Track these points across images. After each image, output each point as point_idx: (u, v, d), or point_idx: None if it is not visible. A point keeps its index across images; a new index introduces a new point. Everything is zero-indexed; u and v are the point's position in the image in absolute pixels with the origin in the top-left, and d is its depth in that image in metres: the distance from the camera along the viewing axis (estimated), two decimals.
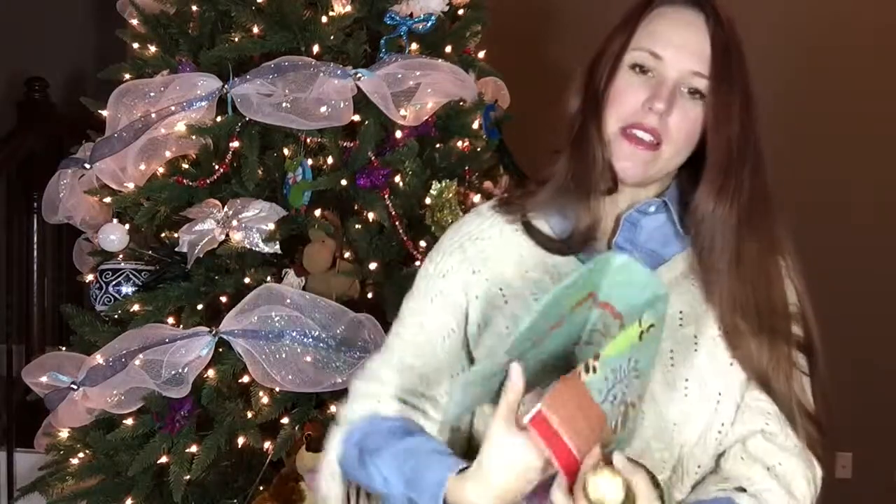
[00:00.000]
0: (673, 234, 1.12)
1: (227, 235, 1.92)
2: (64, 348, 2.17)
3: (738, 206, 1.06)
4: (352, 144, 1.98)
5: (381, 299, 1.95)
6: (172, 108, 1.95)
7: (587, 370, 0.86)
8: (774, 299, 1.07)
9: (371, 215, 1.96)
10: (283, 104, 1.91)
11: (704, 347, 1.07)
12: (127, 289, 2.01)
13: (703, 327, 1.07)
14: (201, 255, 1.93)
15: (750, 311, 1.05)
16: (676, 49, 1.07)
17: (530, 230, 1.13)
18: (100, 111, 2.08)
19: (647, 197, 1.12)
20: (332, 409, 1.90)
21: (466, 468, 0.93)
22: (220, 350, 1.88)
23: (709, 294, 1.07)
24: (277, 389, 1.86)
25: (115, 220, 2.04)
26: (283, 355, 1.82)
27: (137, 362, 1.86)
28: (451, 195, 1.96)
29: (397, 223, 1.95)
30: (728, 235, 1.06)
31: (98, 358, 1.91)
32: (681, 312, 1.08)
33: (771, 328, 1.05)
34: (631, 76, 1.08)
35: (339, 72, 1.90)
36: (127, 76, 2.12)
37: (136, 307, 1.95)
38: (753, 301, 1.06)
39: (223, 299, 1.95)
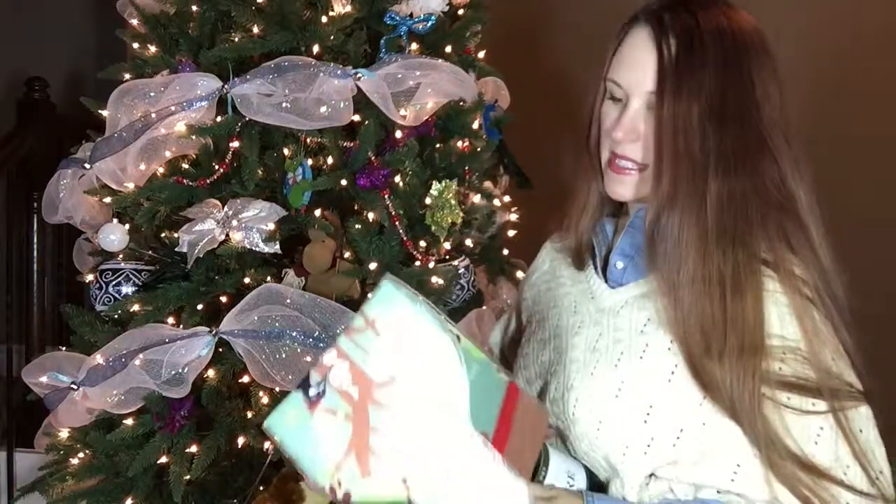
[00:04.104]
0: None
1: (227, 235, 1.92)
2: (64, 348, 2.17)
3: (699, 215, 1.01)
4: (352, 144, 1.98)
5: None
6: (172, 108, 1.95)
7: None
8: (744, 320, 0.99)
9: (371, 215, 1.96)
10: (283, 104, 1.91)
11: (650, 357, 1.05)
12: (127, 289, 2.01)
13: (659, 338, 1.05)
14: (201, 255, 1.93)
15: (715, 330, 0.99)
16: (632, 74, 1.08)
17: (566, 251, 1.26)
18: (100, 111, 2.07)
19: None
20: None
21: None
22: (220, 350, 1.88)
23: (671, 308, 1.02)
24: (277, 389, 1.86)
25: (115, 220, 2.04)
26: (283, 355, 1.82)
27: (137, 362, 1.86)
28: (451, 195, 1.96)
29: (397, 223, 1.95)
30: (687, 247, 1.01)
31: (98, 358, 1.91)
32: (648, 320, 1.07)
33: (739, 348, 0.98)
34: (608, 105, 1.12)
35: (339, 72, 1.90)
36: (127, 76, 2.12)
37: (136, 307, 1.95)
38: (721, 320, 0.99)
39: (223, 299, 1.95)
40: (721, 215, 1.01)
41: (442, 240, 2.00)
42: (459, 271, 2.03)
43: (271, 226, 1.92)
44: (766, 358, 0.99)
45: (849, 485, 0.99)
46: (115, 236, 2.00)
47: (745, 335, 0.99)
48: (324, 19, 1.98)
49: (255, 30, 1.99)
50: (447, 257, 2.04)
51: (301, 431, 1.00)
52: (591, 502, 0.99)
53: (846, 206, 3.17)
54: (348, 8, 2.01)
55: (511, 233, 2.40)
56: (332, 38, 1.98)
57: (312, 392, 1.01)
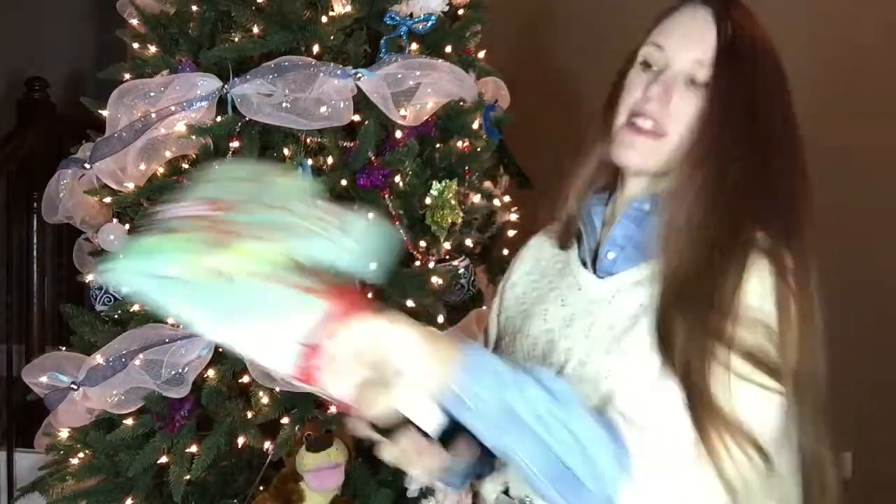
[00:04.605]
0: None
1: None
2: (64, 348, 2.17)
3: (707, 195, 1.03)
4: (352, 144, 1.98)
5: (381, 299, 1.95)
6: (172, 108, 1.95)
7: None
8: (724, 280, 1.01)
9: (371, 215, 1.96)
10: (283, 104, 1.91)
11: (637, 335, 1.05)
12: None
13: (649, 320, 1.04)
14: None
15: (691, 279, 1.01)
16: (679, 38, 1.09)
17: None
18: (100, 111, 2.07)
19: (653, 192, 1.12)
20: (332, 409, 1.90)
21: None
22: (220, 350, 1.88)
23: (662, 266, 1.04)
24: (277, 389, 1.86)
25: (115, 220, 2.04)
26: None
27: (137, 362, 1.86)
28: (451, 195, 1.96)
29: (397, 223, 1.95)
30: (689, 221, 1.03)
31: (98, 358, 1.91)
32: (640, 305, 1.07)
33: (708, 304, 0.99)
34: (639, 71, 1.12)
35: (339, 72, 1.90)
36: (127, 76, 2.12)
37: (136, 307, 1.95)
38: (701, 273, 1.01)
39: None
40: (731, 199, 1.04)
41: (442, 240, 2.00)
42: (459, 271, 2.03)
43: None
44: (733, 323, 1.00)
45: (766, 454, 0.99)
46: (115, 236, 2.00)
47: (719, 294, 0.99)
48: (324, 19, 1.98)
49: (255, 30, 1.99)
50: (447, 257, 2.04)
51: (147, 257, 0.89)
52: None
53: (845, 212, 3.18)
54: (348, 8, 2.01)
55: (511, 233, 2.40)
56: (332, 38, 1.98)
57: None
